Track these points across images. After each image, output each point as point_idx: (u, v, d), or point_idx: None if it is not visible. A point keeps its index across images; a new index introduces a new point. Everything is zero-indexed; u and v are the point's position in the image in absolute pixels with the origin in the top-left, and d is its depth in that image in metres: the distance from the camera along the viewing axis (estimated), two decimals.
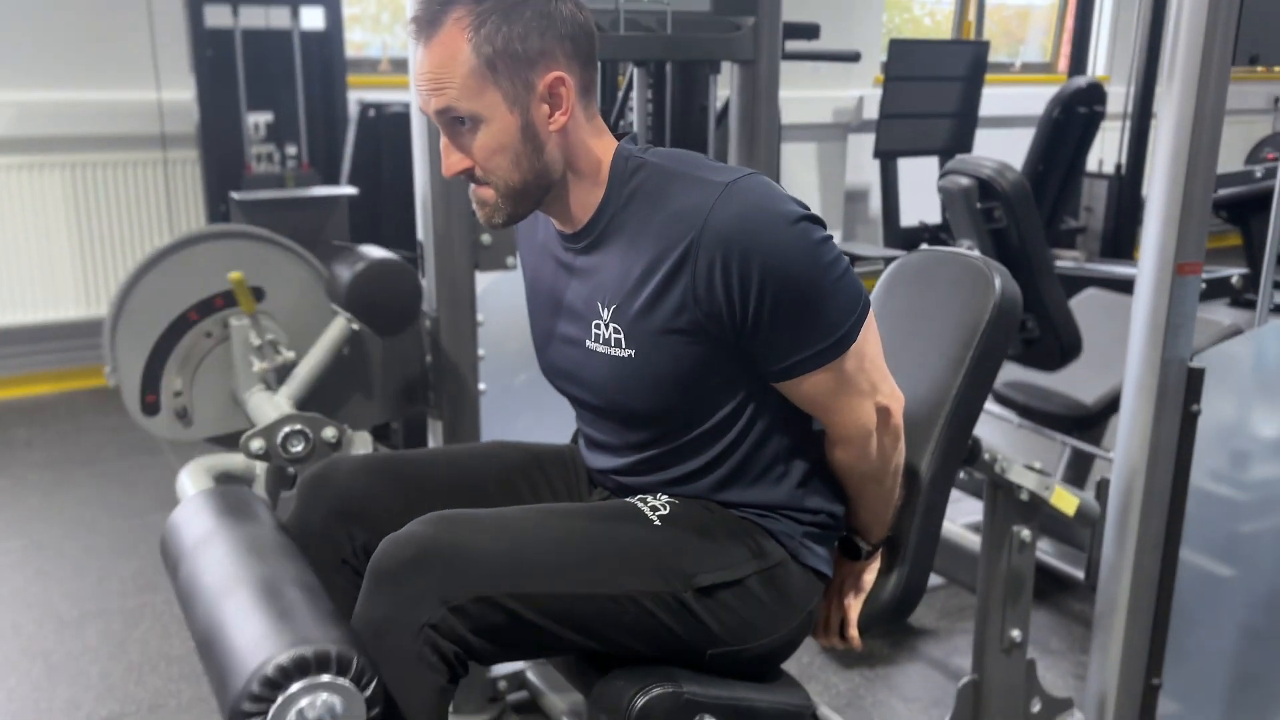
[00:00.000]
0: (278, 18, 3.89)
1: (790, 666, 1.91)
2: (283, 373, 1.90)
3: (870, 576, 1.48)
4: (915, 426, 1.50)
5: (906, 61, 5.23)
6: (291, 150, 3.99)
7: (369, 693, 1.08)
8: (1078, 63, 5.64)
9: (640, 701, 1.22)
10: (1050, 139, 4.80)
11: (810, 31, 3.90)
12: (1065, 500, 1.73)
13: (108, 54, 3.95)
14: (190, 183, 4.10)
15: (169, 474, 3.33)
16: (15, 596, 2.62)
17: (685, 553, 1.28)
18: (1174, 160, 1.78)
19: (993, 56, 6.71)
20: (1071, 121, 4.69)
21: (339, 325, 1.96)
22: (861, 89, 5.61)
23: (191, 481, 1.63)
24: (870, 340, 1.31)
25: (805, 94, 5.41)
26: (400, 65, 4.77)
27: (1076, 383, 2.72)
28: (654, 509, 1.31)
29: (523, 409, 2.19)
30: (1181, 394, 1.86)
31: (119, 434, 3.70)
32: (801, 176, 5.59)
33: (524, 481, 1.46)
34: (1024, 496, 1.72)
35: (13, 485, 3.28)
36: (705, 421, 1.31)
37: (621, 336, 1.28)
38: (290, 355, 1.92)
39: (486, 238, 1.97)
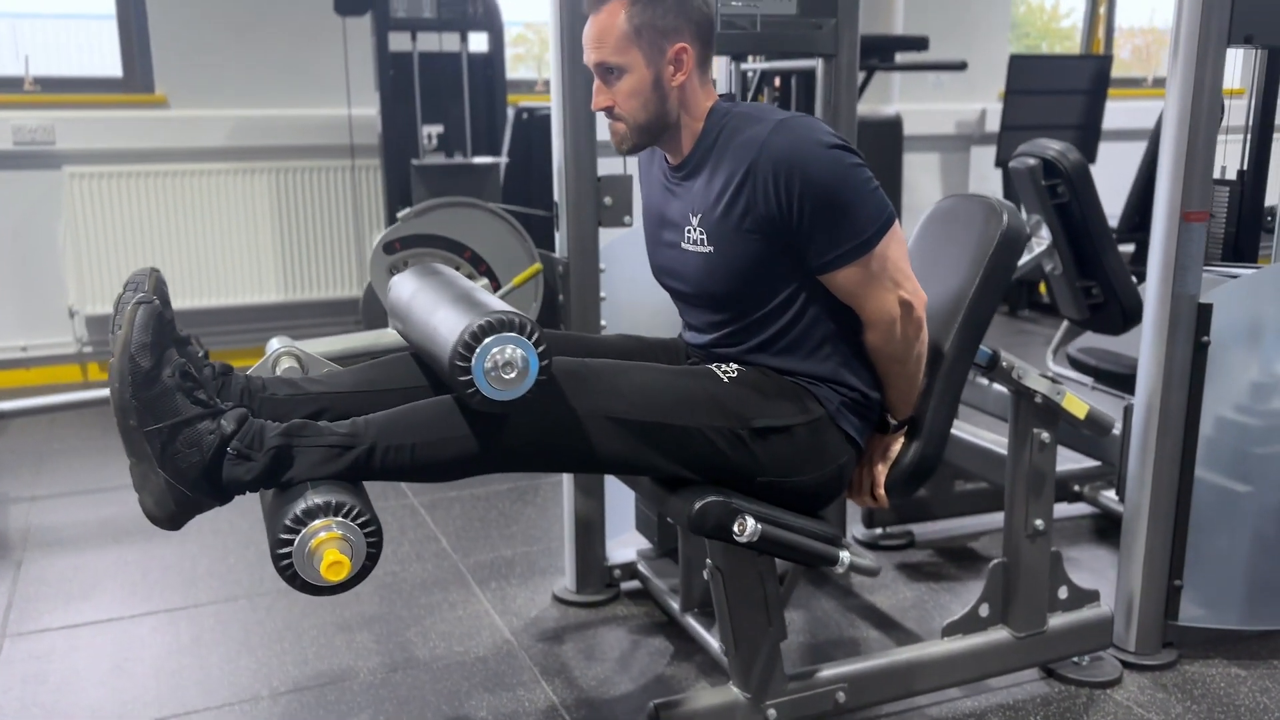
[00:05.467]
0: (449, 42, 4.50)
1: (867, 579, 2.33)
2: None
3: (896, 448, 1.87)
4: (937, 326, 1.89)
5: (1027, 76, 5.50)
6: (458, 157, 4.57)
7: (541, 348, 1.49)
8: None
9: (697, 505, 1.65)
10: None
11: (919, 44, 4.24)
12: (1075, 405, 2.06)
13: (308, 76, 4.66)
14: (373, 186, 4.75)
15: None
16: (232, 507, 3.21)
17: (745, 402, 1.70)
18: (1179, 125, 2.11)
19: (1127, 72, 6.87)
20: None
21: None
22: (985, 102, 5.89)
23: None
24: (894, 246, 1.70)
25: (928, 107, 5.74)
26: None
27: (1137, 344, 2.99)
28: (725, 372, 1.74)
29: None
30: (1192, 327, 2.17)
31: None
32: (925, 184, 5.90)
33: (639, 355, 1.90)
34: (1039, 400, 2.05)
35: None
36: (767, 304, 1.74)
37: (705, 236, 1.73)
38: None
39: (608, 200, 2.44)
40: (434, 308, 1.64)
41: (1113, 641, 2.29)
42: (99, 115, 4.46)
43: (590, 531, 2.59)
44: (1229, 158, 5.73)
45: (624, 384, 1.65)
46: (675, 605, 2.44)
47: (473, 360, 1.47)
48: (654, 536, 2.64)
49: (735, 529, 1.63)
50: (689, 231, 1.76)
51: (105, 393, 3.48)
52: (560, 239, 2.45)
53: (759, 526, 1.63)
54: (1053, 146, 2.84)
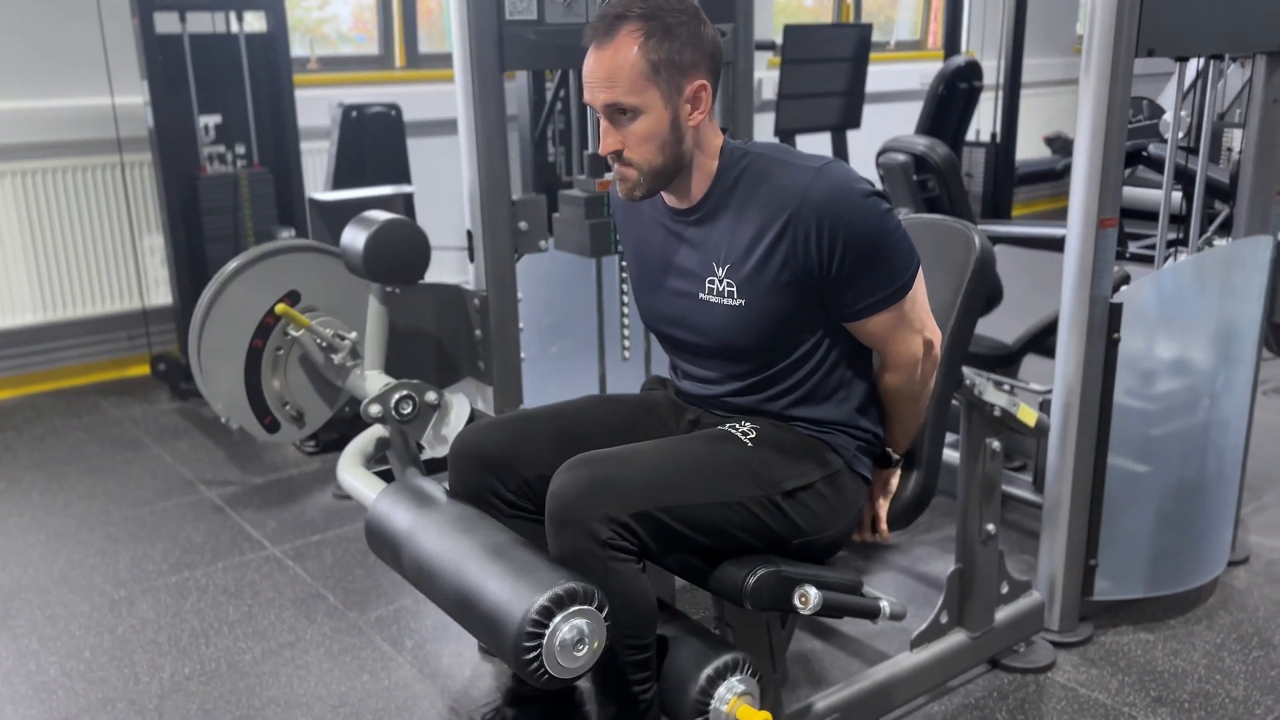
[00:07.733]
0: (224, 22, 4.03)
1: None
2: (354, 350, 2.15)
3: (895, 481, 1.86)
4: None
5: (800, 45, 5.64)
6: (241, 150, 4.13)
7: (604, 611, 1.42)
8: (951, 41, 6.16)
9: (751, 580, 1.56)
10: (936, 113, 5.28)
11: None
12: (1028, 414, 2.14)
13: (59, 62, 4.03)
14: (146, 184, 4.21)
15: (158, 464, 3.50)
16: (59, 583, 2.79)
17: (773, 465, 1.62)
18: (1093, 137, 2.20)
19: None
20: (954, 96, 5.17)
21: (375, 293, 2.18)
22: (759, 72, 6.00)
23: (349, 474, 1.89)
24: (920, 288, 1.68)
25: None
26: (328, 64, 4.93)
27: (997, 327, 3.16)
28: (744, 434, 1.65)
29: (557, 374, 2.48)
30: (1105, 325, 2.29)
31: (94, 431, 3.82)
32: None
33: (625, 424, 1.77)
34: (996, 413, 2.11)
35: (9, 487, 3.39)
36: (792, 354, 1.67)
37: (734, 289, 1.62)
38: (353, 335, 2.16)
39: (524, 224, 2.26)
40: (460, 564, 1.52)
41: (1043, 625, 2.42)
42: None
43: None
44: (982, 120, 6.14)
45: (654, 472, 1.54)
46: None
47: (543, 644, 1.38)
48: None
49: (797, 601, 1.56)
50: (712, 283, 1.65)
51: None
52: (476, 270, 2.26)
53: (821, 595, 1.57)
54: (920, 142, 2.92)
